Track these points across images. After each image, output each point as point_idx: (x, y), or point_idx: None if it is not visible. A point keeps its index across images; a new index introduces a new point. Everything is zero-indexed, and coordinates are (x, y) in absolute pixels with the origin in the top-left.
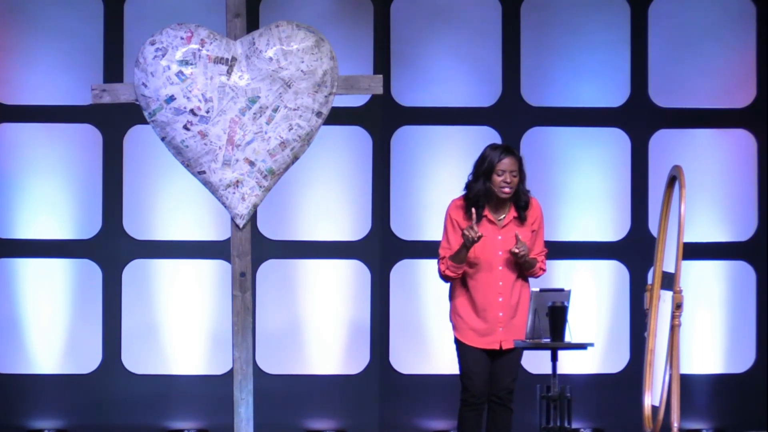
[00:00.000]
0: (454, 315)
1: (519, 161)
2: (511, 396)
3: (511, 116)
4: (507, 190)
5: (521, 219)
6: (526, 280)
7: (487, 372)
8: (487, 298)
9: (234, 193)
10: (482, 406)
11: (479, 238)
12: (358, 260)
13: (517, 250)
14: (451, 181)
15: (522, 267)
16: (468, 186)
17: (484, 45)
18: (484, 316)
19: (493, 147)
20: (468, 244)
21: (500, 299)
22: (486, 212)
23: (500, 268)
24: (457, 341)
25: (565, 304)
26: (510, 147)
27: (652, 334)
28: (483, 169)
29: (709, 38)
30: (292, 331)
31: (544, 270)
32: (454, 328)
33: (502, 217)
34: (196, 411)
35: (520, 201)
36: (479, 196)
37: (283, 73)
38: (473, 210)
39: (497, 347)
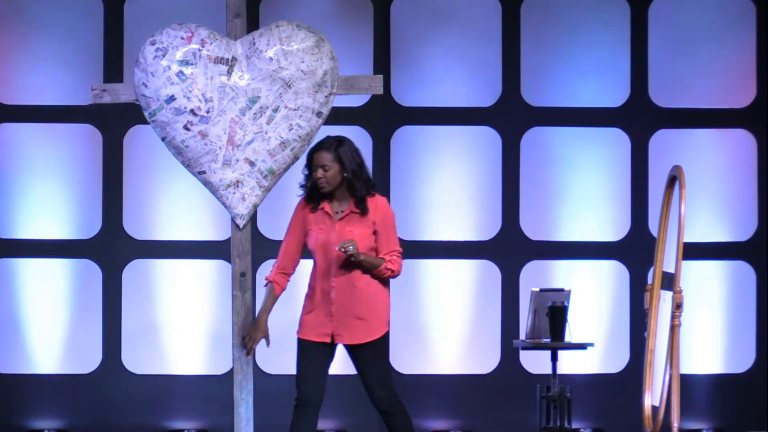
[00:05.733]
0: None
1: (335, 154)
2: (395, 401)
3: (511, 116)
4: (320, 185)
5: (362, 212)
6: (381, 279)
7: (320, 375)
8: (322, 290)
9: (234, 193)
10: (312, 409)
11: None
12: None
13: (341, 249)
14: (451, 181)
15: (362, 267)
16: (306, 179)
17: (484, 45)
18: (319, 306)
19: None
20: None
21: (333, 292)
22: (325, 204)
23: (334, 262)
24: (297, 339)
25: (565, 304)
26: (329, 140)
27: (652, 334)
28: (306, 164)
29: (709, 38)
30: (292, 330)
31: (393, 271)
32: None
33: (339, 210)
34: (196, 411)
35: (356, 193)
36: (313, 189)
37: (283, 73)
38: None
39: (329, 340)
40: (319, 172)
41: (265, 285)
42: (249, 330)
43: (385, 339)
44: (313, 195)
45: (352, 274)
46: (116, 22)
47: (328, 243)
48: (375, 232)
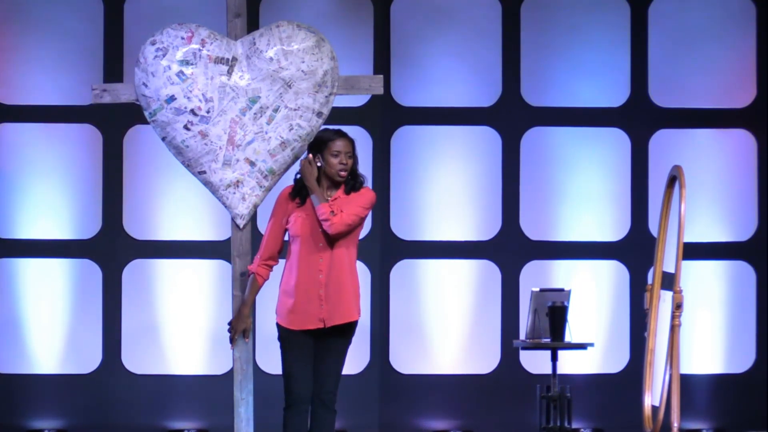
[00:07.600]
0: (279, 300)
1: (352, 144)
2: (335, 397)
3: (511, 116)
4: (343, 173)
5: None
6: (350, 251)
7: (310, 370)
8: (309, 276)
9: (234, 193)
10: (304, 407)
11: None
12: (358, 260)
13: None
14: (451, 181)
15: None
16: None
17: (484, 45)
18: (306, 294)
19: (324, 130)
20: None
21: (321, 276)
22: None
23: (321, 244)
24: (279, 330)
25: (565, 304)
26: (342, 130)
27: (652, 334)
28: (320, 147)
29: (709, 38)
30: None
31: (334, 213)
32: (277, 314)
33: (329, 194)
34: (196, 411)
35: (356, 184)
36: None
37: (283, 73)
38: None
39: (321, 326)
40: (343, 158)
41: (248, 276)
42: (231, 321)
43: (354, 329)
44: (303, 189)
45: (337, 253)
46: (116, 22)
47: (316, 227)
48: None
